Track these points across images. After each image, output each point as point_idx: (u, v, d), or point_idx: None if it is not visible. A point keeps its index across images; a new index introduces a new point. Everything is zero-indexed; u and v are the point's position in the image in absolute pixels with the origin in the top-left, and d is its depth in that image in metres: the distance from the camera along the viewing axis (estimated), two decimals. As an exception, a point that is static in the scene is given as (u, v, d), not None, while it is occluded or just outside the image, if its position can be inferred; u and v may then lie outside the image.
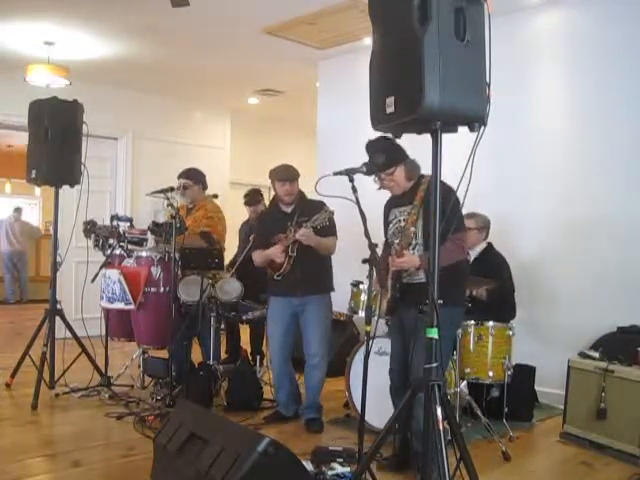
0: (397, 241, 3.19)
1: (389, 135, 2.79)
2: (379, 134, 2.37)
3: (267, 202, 5.97)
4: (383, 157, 3.18)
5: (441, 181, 3.06)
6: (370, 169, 3.02)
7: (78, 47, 6.01)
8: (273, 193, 4.17)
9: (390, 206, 3.39)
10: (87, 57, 6.31)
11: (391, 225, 3.32)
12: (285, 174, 4.02)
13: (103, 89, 7.09)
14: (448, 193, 3.02)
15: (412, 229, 3.11)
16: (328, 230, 3.92)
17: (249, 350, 5.36)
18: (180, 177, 4.82)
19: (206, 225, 4.67)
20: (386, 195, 5.29)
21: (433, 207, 2.26)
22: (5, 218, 10.92)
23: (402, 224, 3.21)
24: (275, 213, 4.13)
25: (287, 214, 4.04)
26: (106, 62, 6.46)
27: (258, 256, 4.11)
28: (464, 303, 3.33)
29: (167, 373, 4.28)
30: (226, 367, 4.68)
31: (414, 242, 3.12)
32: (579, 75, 4.65)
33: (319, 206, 3.95)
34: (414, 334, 3.04)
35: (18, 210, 11.08)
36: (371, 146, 3.22)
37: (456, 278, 3.02)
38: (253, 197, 5.75)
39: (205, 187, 4.91)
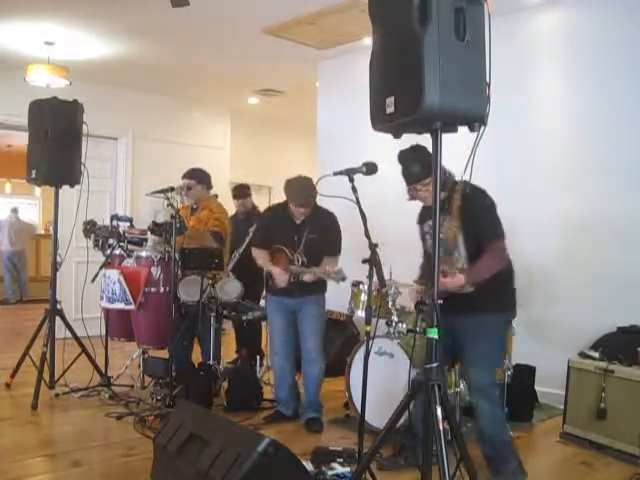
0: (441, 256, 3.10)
1: (421, 144, 2.76)
2: (380, 134, 2.37)
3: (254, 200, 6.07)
4: (418, 167, 3.05)
5: (473, 185, 3.09)
6: (370, 169, 3.00)
7: (78, 47, 6.01)
8: (275, 194, 4.17)
9: (424, 218, 3.27)
10: (87, 57, 6.31)
11: (427, 237, 3.22)
12: (301, 200, 3.86)
13: (103, 89, 7.09)
14: (481, 199, 3.05)
15: (455, 254, 3.01)
16: (332, 252, 3.99)
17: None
18: (184, 177, 4.82)
19: (214, 225, 4.67)
20: (385, 195, 5.31)
21: (434, 207, 2.26)
22: (4, 218, 10.93)
23: (440, 236, 3.14)
24: (284, 218, 4.03)
25: (296, 225, 4.00)
26: (106, 62, 6.45)
27: (262, 259, 4.11)
28: (510, 309, 3.21)
29: (167, 373, 4.28)
30: (227, 367, 4.68)
31: (456, 255, 3.03)
32: (579, 75, 4.64)
33: (329, 220, 4.03)
34: (466, 342, 3.05)
35: (15, 210, 11.09)
36: (404, 156, 3.09)
37: (498, 285, 2.97)
38: (242, 191, 5.80)
39: (209, 187, 4.92)
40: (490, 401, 3.05)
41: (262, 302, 5.26)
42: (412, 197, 3.19)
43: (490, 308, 2.99)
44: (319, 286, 4.07)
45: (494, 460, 3.08)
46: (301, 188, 3.89)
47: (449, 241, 3.03)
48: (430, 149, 2.32)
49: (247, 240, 5.01)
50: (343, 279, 3.72)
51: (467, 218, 2.99)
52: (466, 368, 3.13)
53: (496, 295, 2.99)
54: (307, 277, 3.87)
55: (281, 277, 3.94)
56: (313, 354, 4.04)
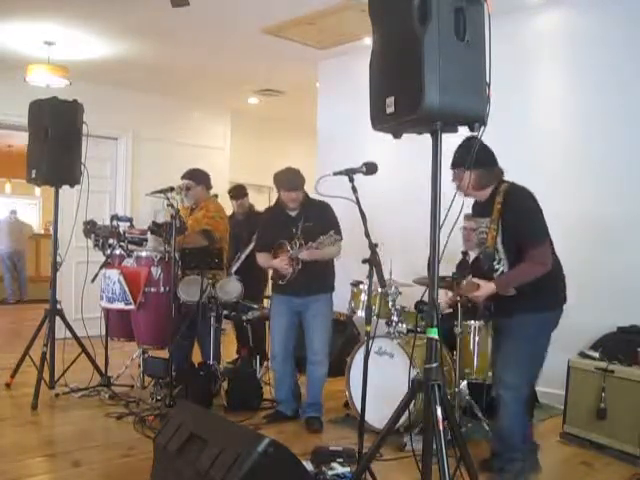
0: (480, 256, 3.14)
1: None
2: (380, 134, 2.36)
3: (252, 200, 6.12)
4: (459, 153, 3.04)
5: (516, 186, 3.13)
6: (370, 169, 3.00)
7: (78, 47, 6.01)
8: (274, 193, 4.18)
9: (474, 213, 3.27)
10: (87, 57, 6.31)
11: (476, 233, 3.26)
12: (291, 184, 3.99)
13: (103, 89, 7.09)
14: (521, 202, 3.07)
15: (496, 257, 3.06)
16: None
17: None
18: (183, 178, 4.82)
19: (207, 224, 4.67)
20: (382, 195, 5.30)
21: (433, 206, 2.25)
22: (3, 218, 10.94)
23: (483, 236, 3.16)
24: (279, 215, 4.12)
25: (292, 218, 4.06)
26: (106, 62, 6.45)
27: (264, 261, 4.16)
28: (549, 309, 3.14)
29: (167, 373, 4.28)
30: (226, 367, 4.68)
31: (497, 257, 3.08)
32: (579, 75, 4.64)
33: (323, 207, 4.05)
34: (506, 339, 3.15)
35: (13, 212, 11.11)
36: (461, 143, 3.02)
37: (538, 285, 2.96)
38: (239, 191, 5.88)
39: (209, 187, 4.92)
40: (517, 401, 3.06)
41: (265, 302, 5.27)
42: (457, 186, 3.07)
43: (527, 308, 3.01)
44: (326, 285, 4.10)
45: (501, 458, 3.09)
46: (288, 175, 4.02)
47: (487, 243, 3.07)
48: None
49: (252, 244, 5.02)
50: (337, 240, 3.76)
51: (507, 221, 3.02)
52: (499, 364, 3.18)
53: (535, 295, 2.99)
54: (304, 254, 3.87)
55: (283, 264, 3.95)
56: (319, 356, 4.05)
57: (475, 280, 3.06)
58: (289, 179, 4.01)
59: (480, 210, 3.21)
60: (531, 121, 4.83)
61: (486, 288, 2.99)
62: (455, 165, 3.08)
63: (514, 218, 3.01)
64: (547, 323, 3.13)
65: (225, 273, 4.81)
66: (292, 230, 4.01)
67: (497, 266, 3.08)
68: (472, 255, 4.20)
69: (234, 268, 5.27)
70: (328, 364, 4.11)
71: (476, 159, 2.92)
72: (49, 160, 4.46)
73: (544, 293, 3.03)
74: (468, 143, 2.95)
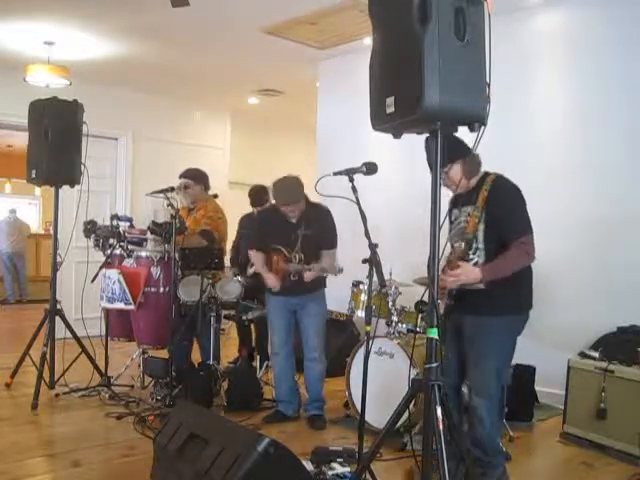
0: (457, 245, 3.01)
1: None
2: (380, 134, 2.36)
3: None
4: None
5: (505, 178, 3.09)
6: (370, 169, 3.00)
7: (78, 47, 6.01)
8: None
9: (454, 204, 3.18)
10: (87, 57, 6.30)
11: (454, 224, 3.14)
12: (287, 199, 3.91)
13: (103, 89, 7.08)
14: (510, 192, 3.02)
15: (473, 245, 2.94)
16: (330, 245, 4.03)
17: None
18: (182, 177, 4.82)
19: (206, 224, 4.67)
20: (382, 195, 5.31)
21: (433, 206, 2.25)
22: (3, 218, 10.94)
23: (462, 225, 3.05)
24: (278, 217, 4.04)
25: (292, 223, 4.01)
26: (106, 62, 6.45)
27: (260, 263, 4.14)
28: (522, 310, 3.06)
29: (167, 373, 4.28)
30: (227, 367, 4.67)
31: (474, 246, 2.96)
32: (579, 75, 4.64)
33: (324, 214, 4.05)
34: (472, 343, 3.01)
35: (13, 211, 11.12)
36: (427, 143, 2.86)
37: (511, 284, 2.88)
38: (258, 198, 5.61)
39: (207, 187, 4.92)
40: (490, 406, 3.00)
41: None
42: (449, 184, 3.04)
43: (501, 310, 2.93)
44: (320, 282, 4.11)
45: (483, 464, 3.04)
46: (284, 188, 3.93)
47: (467, 230, 2.97)
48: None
49: None
50: (340, 271, 3.78)
51: (493, 209, 2.93)
52: (470, 369, 3.07)
53: (509, 295, 2.92)
54: (307, 276, 3.89)
55: (274, 283, 4.00)
56: (316, 352, 4.07)
57: (458, 262, 2.89)
58: (286, 193, 3.91)
59: (463, 199, 3.08)
60: (531, 121, 4.83)
61: (467, 270, 2.84)
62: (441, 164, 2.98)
63: (502, 208, 2.93)
64: (513, 326, 3.03)
65: (223, 273, 4.80)
66: (291, 237, 3.98)
67: (472, 256, 2.95)
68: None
69: (252, 270, 4.96)
70: (326, 361, 4.12)
71: (457, 151, 2.92)
72: (49, 160, 4.46)
73: (512, 295, 2.95)
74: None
